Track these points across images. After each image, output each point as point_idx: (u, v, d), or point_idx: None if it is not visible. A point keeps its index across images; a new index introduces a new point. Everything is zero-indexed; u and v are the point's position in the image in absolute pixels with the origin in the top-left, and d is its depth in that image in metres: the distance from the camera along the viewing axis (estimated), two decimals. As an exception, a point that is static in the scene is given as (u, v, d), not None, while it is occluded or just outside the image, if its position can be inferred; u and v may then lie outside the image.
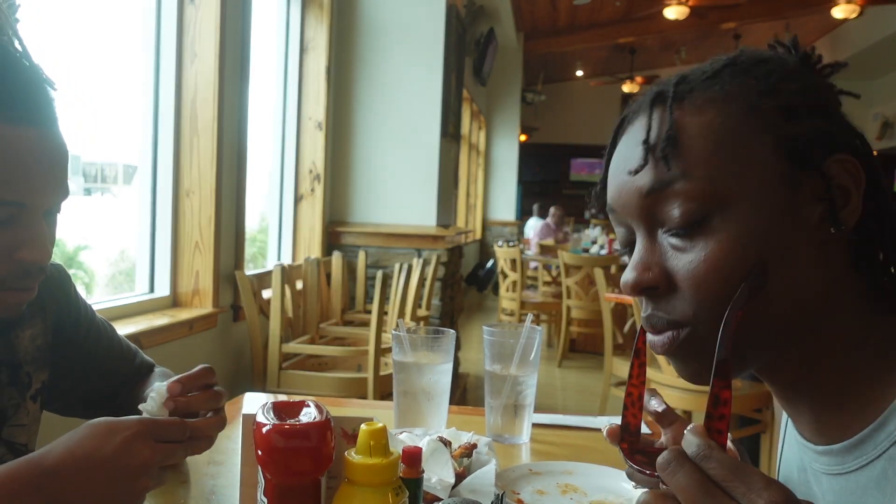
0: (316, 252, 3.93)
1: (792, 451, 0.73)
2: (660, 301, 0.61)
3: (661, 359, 3.10)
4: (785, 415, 0.75)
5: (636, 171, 0.61)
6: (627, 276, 0.62)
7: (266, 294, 3.03)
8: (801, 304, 0.60)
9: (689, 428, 0.52)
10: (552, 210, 9.21)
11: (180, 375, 0.86)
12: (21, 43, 0.78)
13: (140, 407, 0.84)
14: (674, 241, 0.60)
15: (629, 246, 0.65)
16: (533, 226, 9.56)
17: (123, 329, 2.19)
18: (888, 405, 0.58)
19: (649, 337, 0.64)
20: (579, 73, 14.59)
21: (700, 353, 0.60)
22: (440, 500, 0.83)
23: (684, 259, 0.60)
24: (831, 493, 0.64)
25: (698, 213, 0.59)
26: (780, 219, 0.59)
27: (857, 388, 0.61)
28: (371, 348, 2.78)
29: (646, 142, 0.61)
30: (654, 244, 0.62)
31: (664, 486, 0.52)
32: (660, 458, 0.51)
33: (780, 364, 0.63)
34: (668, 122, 0.60)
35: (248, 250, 3.33)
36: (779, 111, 0.59)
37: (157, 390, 0.84)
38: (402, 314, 3.19)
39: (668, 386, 3.11)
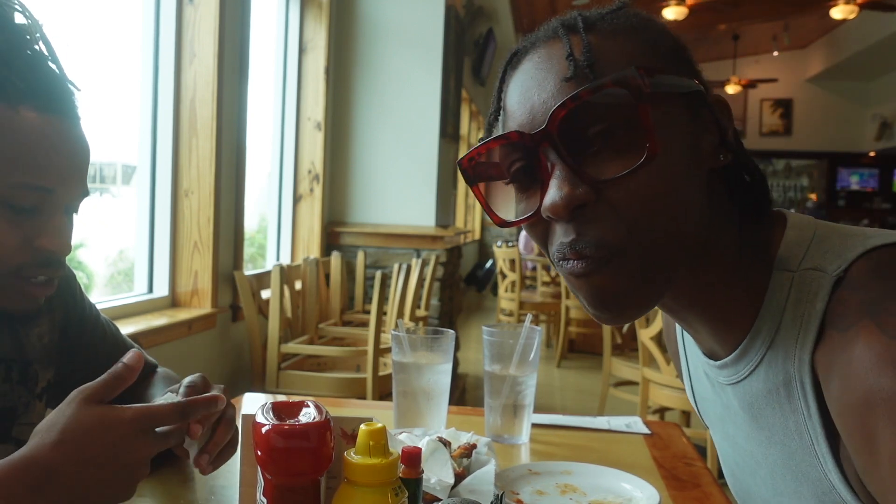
0: (315, 252, 3.93)
1: (698, 369, 0.79)
2: (586, 222, 0.60)
3: (661, 359, 3.10)
4: (680, 336, 0.84)
5: (567, 80, 0.60)
6: (555, 195, 0.59)
7: (265, 294, 3.03)
8: (697, 227, 0.62)
9: None
10: None
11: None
12: (49, 46, 0.81)
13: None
14: (603, 156, 0.59)
15: (524, 176, 0.64)
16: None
17: (122, 329, 2.18)
18: (755, 317, 0.65)
19: (567, 266, 0.62)
20: (578, 73, 14.59)
21: (626, 275, 0.60)
22: (439, 500, 0.83)
23: (615, 172, 0.59)
24: (736, 399, 0.70)
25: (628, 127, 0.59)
26: (689, 142, 0.62)
27: (737, 303, 0.66)
28: (370, 348, 2.78)
29: (570, 56, 0.60)
30: (578, 161, 0.59)
31: None
32: None
33: (681, 286, 0.65)
34: (585, 43, 0.60)
35: (247, 250, 3.33)
36: (672, 48, 0.64)
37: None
38: (400, 314, 3.19)
39: (667, 386, 3.12)
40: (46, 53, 0.80)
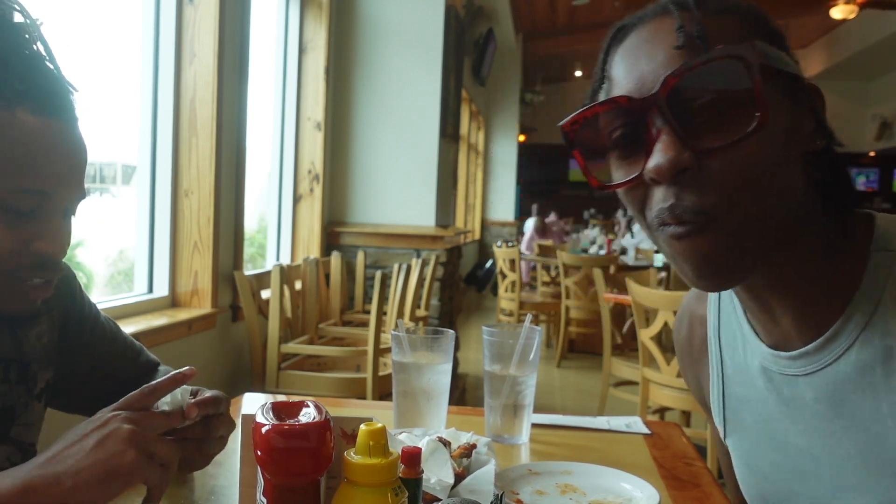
0: (315, 252, 3.93)
1: (748, 370, 0.78)
2: (687, 187, 0.62)
3: (661, 359, 3.10)
4: (714, 337, 0.83)
5: (678, 49, 0.62)
6: (661, 158, 0.61)
7: (265, 294, 3.03)
8: (791, 205, 0.64)
9: None
10: (552, 215, 9.33)
11: (197, 400, 0.83)
12: (46, 46, 0.80)
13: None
14: (709, 125, 0.61)
15: (625, 143, 0.65)
16: (530, 227, 9.62)
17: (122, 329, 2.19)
18: (849, 300, 0.66)
19: (667, 231, 0.64)
20: (578, 73, 14.60)
21: (721, 242, 0.62)
22: (439, 500, 0.83)
23: (720, 141, 0.60)
24: (810, 390, 0.70)
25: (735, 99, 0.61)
26: (789, 121, 0.64)
27: (829, 287, 0.68)
28: (370, 348, 2.78)
29: (682, 28, 0.62)
30: (684, 128, 0.61)
31: None
32: None
33: (773, 265, 0.67)
34: (697, 17, 0.62)
35: (247, 250, 3.33)
36: (775, 32, 0.66)
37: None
38: (400, 314, 3.19)
39: (667, 386, 3.11)
40: (44, 54, 0.80)
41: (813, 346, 0.68)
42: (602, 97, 0.68)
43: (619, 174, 0.67)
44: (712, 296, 0.84)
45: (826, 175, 0.69)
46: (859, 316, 0.66)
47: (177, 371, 0.80)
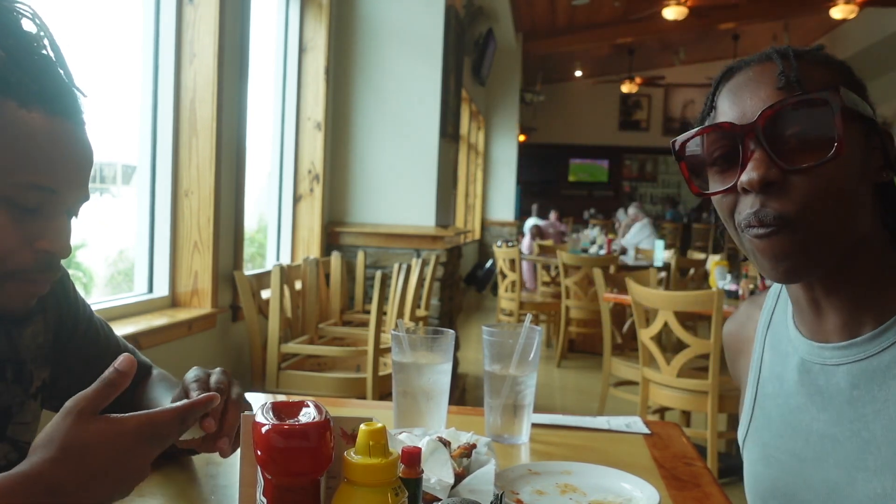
0: (315, 252, 3.93)
1: (785, 367, 0.90)
2: (772, 197, 0.75)
3: (661, 359, 3.10)
4: (761, 337, 0.95)
5: (778, 89, 0.76)
6: (753, 172, 0.75)
7: (265, 294, 3.03)
8: (857, 222, 0.78)
9: None
10: (552, 215, 9.35)
11: (206, 414, 0.83)
12: (58, 51, 0.82)
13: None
14: (794, 151, 0.75)
15: (722, 161, 0.80)
16: (529, 227, 9.62)
17: (122, 329, 2.19)
18: None
19: (752, 232, 0.77)
20: (578, 73, 14.61)
21: (794, 243, 0.76)
22: (439, 500, 0.83)
23: (803, 163, 0.74)
24: (848, 377, 0.81)
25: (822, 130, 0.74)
26: (863, 155, 0.78)
27: (881, 296, 0.80)
28: (370, 348, 2.78)
29: (783, 73, 0.77)
30: (775, 151, 0.75)
31: None
32: None
33: (831, 272, 0.79)
34: (794, 66, 0.77)
35: (247, 250, 3.33)
36: (857, 84, 0.80)
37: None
38: (400, 314, 3.19)
39: (667, 386, 3.12)
40: (55, 59, 0.82)
41: (868, 335, 0.80)
42: (708, 123, 0.83)
43: (716, 185, 0.81)
44: (768, 303, 0.96)
45: (891, 205, 0.82)
46: None
47: (203, 395, 0.80)
